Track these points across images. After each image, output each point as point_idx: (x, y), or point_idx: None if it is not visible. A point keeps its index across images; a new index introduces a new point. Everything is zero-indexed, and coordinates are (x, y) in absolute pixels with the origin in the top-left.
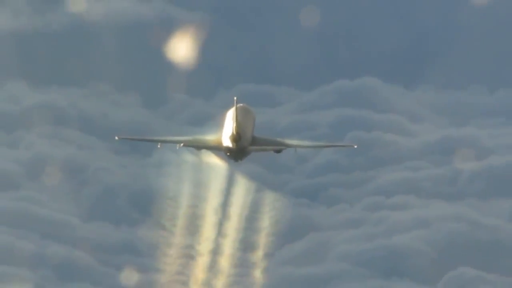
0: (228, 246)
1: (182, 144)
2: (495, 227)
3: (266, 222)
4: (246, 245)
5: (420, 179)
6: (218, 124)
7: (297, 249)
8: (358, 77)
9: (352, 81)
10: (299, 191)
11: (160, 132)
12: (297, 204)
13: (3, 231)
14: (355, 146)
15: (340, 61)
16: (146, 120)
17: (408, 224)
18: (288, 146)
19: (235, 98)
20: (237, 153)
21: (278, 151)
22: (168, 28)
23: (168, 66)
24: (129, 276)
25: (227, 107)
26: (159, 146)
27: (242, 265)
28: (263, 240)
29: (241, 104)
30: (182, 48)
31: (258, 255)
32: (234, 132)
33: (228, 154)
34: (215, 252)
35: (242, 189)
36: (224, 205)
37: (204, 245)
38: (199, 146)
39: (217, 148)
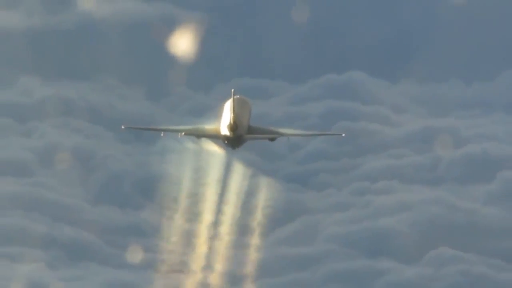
0: (226, 227)
1: (183, 133)
2: (471, 210)
3: (261, 205)
4: (242, 226)
5: (403, 166)
6: (216, 114)
7: (290, 231)
8: (345, 71)
9: (340, 75)
10: (291, 177)
11: (162, 122)
12: (289, 189)
13: (18, 214)
14: (343, 135)
15: (329, 56)
16: (149, 112)
17: (392, 207)
18: (281, 134)
19: (232, 90)
20: (234, 141)
21: (272, 139)
22: (169, 26)
23: (170, 62)
24: (135, 253)
25: (225, 99)
26: (162, 135)
27: (239, 245)
28: (258, 222)
29: (238, 96)
30: (182, 45)
31: (254, 235)
32: (232, 122)
33: (226, 142)
34: (214, 232)
35: (238, 175)
36: (222, 190)
37: (203, 227)
38: (199, 135)
39: (215, 137)
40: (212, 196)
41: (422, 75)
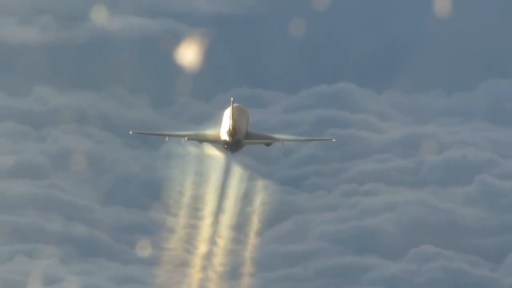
0: (224, 226)
1: (186, 138)
2: (451, 210)
3: (257, 205)
4: (240, 225)
5: (388, 169)
6: (217, 121)
7: (283, 229)
8: (335, 82)
9: (330, 86)
10: (285, 180)
11: (167, 129)
12: (283, 191)
13: (34, 214)
14: (333, 140)
15: (320, 68)
16: (155, 119)
17: (378, 208)
18: (276, 140)
19: (231, 99)
20: (233, 146)
21: (268, 144)
22: (174, 40)
23: (174, 73)
24: (141, 250)
25: (225, 107)
26: (166, 140)
27: (236, 242)
28: (254, 221)
29: (237, 104)
30: (186, 57)
31: (251, 233)
32: (231, 128)
33: (225, 146)
34: (213, 231)
35: (237, 177)
36: (222, 191)
37: (204, 225)
38: (201, 140)
39: (216, 142)
40: (212, 196)
41: (407, 86)
